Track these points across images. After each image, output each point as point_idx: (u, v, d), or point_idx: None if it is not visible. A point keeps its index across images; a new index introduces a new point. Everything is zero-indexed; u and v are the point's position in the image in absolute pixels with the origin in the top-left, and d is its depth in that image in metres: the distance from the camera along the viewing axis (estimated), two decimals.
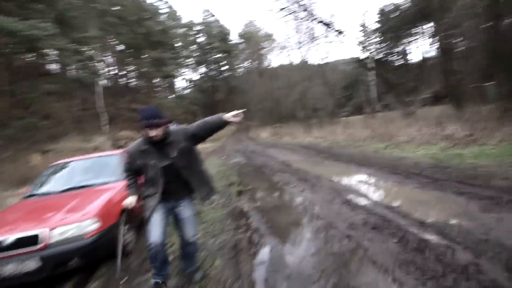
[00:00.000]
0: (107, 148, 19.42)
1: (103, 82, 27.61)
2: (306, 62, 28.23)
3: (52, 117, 19.61)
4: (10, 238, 2.44)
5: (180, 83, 51.76)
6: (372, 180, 4.94)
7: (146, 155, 2.05)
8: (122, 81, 33.75)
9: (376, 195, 4.03)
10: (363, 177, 5.24)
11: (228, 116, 1.96)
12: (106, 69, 30.27)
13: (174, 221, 2.22)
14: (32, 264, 2.39)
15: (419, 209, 3.20)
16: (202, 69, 46.66)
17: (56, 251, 2.45)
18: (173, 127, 2.15)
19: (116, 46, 31.16)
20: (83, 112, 24.80)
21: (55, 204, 3.01)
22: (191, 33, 43.35)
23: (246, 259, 2.57)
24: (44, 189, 3.59)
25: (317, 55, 27.70)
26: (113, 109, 28.31)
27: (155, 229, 2.00)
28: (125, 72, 33.60)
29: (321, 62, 25.07)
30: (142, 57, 31.52)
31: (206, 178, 2.26)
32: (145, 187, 2.14)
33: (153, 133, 1.97)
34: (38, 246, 2.42)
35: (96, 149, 18.60)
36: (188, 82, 47.71)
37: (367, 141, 9.69)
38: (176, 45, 39.31)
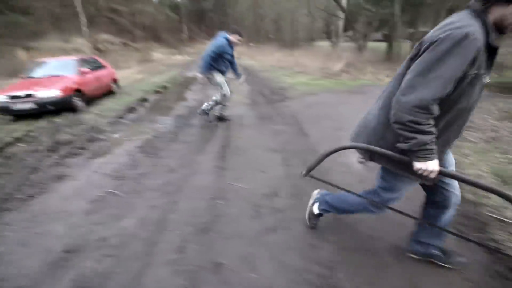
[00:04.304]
0: (86, 51, 21.39)
1: None
2: None
3: (31, 13, 20.65)
4: (22, 93, 5.66)
5: None
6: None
7: (482, 61, 1.06)
8: None
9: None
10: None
11: None
12: None
13: None
14: (30, 105, 5.65)
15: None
16: None
17: (40, 101, 5.68)
18: None
19: None
20: (61, 10, 25.13)
21: (40, 82, 6.13)
22: None
23: None
24: (33, 74, 6.69)
25: None
26: (93, 9, 28.29)
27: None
28: None
29: None
30: None
31: None
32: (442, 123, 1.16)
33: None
34: (32, 98, 5.64)
35: (76, 50, 20.64)
36: None
37: (286, 68, 12.43)
38: None
